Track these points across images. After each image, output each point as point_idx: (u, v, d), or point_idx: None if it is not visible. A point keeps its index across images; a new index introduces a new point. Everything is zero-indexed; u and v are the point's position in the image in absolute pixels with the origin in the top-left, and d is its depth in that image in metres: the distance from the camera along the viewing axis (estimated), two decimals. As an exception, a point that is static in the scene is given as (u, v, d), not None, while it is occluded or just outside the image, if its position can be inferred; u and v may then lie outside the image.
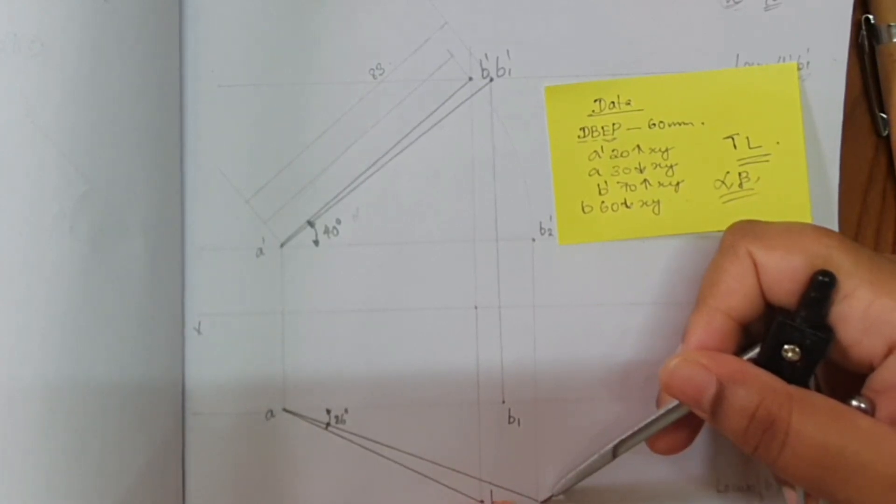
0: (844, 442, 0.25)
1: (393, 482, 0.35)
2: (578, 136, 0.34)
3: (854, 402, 0.26)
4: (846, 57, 0.35)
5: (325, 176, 0.34)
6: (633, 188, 0.34)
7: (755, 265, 0.28)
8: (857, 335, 0.26)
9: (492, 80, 0.35)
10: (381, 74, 0.34)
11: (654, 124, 0.34)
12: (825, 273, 0.26)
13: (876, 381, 0.26)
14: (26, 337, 0.29)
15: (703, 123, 0.34)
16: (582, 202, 0.34)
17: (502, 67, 0.35)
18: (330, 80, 0.34)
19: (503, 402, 0.35)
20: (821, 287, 0.26)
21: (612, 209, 0.34)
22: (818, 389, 0.30)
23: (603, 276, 0.34)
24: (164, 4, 0.32)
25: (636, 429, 0.30)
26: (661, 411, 0.30)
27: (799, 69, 0.35)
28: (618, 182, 0.34)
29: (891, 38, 0.35)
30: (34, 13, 0.28)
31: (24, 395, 0.29)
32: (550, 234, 0.35)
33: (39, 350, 0.29)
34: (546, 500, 0.34)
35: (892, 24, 0.35)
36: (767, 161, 0.34)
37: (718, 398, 0.27)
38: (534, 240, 0.35)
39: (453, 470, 0.35)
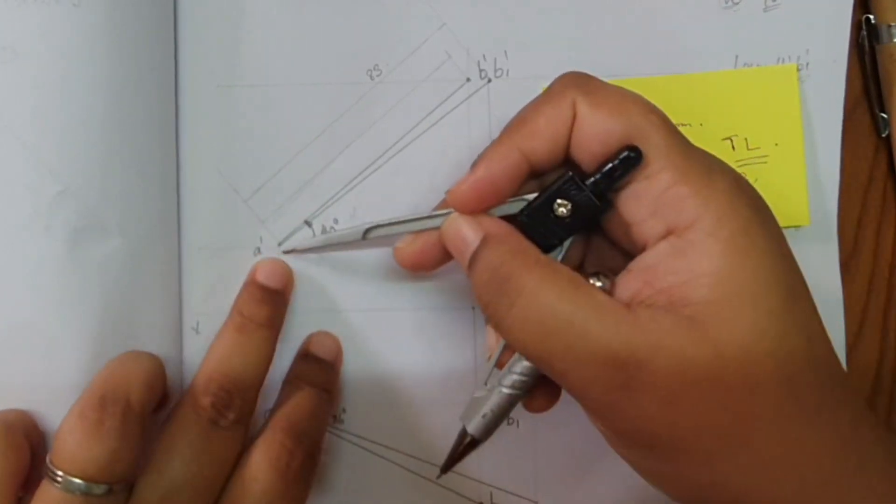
0: (574, 310, 0.25)
1: (391, 483, 0.35)
2: (576, 137, 0.34)
3: (593, 280, 0.26)
4: (846, 58, 0.35)
5: (323, 176, 0.34)
6: (630, 189, 0.34)
7: (574, 116, 0.27)
8: (645, 215, 0.26)
9: (490, 80, 0.35)
10: (378, 75, 0.34)
11: (652, 125, 0.34)
12: (634, 149, 0.26)
13: (639, 261, 0.26)
14: (5, 338, 0.29)
15: (701, 125, 0.34)
16: (579, 203, 0.34)
17: (500, 68, 0.35)
18: (328, 81, 0.34)
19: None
20: (625, 161, 0.26)
21: (610, 210, 0.34)
22: (580, 266, 0.30)
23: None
24: (154, 6, 0.33)
25: (400, 219, 0.30)
26: (428, 214, 0.30)
27: (798, 70, 0.35)
28: (615, 182, 0.34)
29: (891, 38, 0.35)
30: (7, 22, 0.29)
31: (6, 398, 0.30)
32: (548, 235, 0.35)
33: (23, 351, 0.30)
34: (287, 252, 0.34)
35: (892, 24, 0.35)
36: (765, 162, 0.34)
37: (476, 254, 0.27)
38: (531, 240, 0.35)
39: (452, 471, 0.35)
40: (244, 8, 0.34)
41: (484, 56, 0.35)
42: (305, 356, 0.34)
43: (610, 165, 0.26)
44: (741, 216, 0.25)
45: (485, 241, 0.27)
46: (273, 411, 0.32)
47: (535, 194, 0.28)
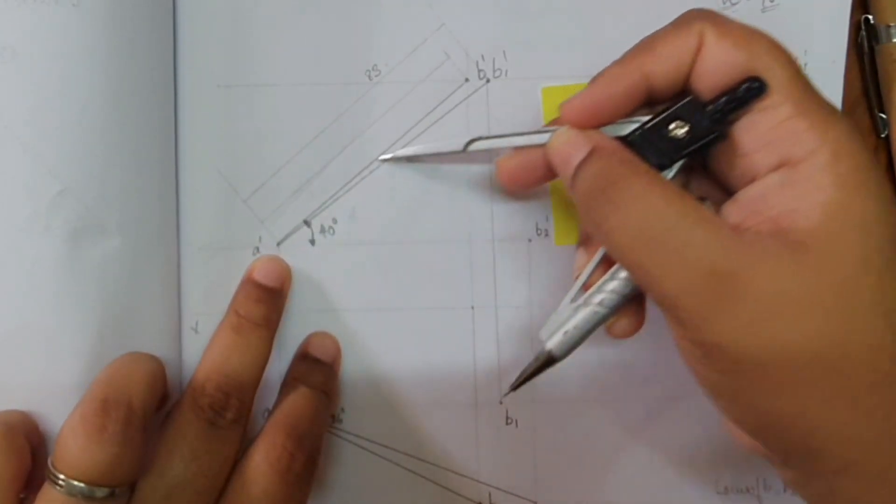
0: (679, 218, 0.25)
1: (390, 482, 0.35)
2: (574, 137, 0.34)
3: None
4: (844, 59, 0.35)
5: (322, 176, 0.34)
6: (629, 189, 0.34)
7: (700, 45, 0.27)
8: (758, 145, 0.26)
9: (488, 81, 0.35)
10: (377, 76, 0.34)
11: (651, 125, 0.34)
12: (758, 80, 0.26)
13: (747, 191, 0.26)
14: (5, 339, 0.29)
15: (700, 124, 0.34)
16: (578, 203, 0.34)
17: (499, 69, 0.35)
18: (327, 81, 0.34)
19: (500, 402, 0.35)
20: (748, 91, 0.26)
21: (609, 210, 0.34)
22: None
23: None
24: (154, 6, 0.33)
25: (504, 133, 0.31)
26: (534, 130, 0.30)
27: (797, 70, 0.35)
28: (614, 183, 0.34)
29: (890, 38, 0.35)
30: (7, 22, 0.29)
31: (6, 398, 0.30)
32: (547, 235, 0.35)
33: (22, 352, 0.30)
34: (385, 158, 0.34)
35: (891, 24, 0.35)
36: (764, 162, 0.34)
37: (583, 163, 0.27)
38: (530, 240, 0.35)
39: (451, 471, 0.35)
40: (244, 8, 0.34)
41: (483, 56, 0.35)
42: (304, 357, 0.34)
43: (732, 93, 0.26)
44: (857, 155, 0.25)
45: (593, 151, 0.27)
46: (272, 413, 0.32)
47: (647, 117, 0.28)
